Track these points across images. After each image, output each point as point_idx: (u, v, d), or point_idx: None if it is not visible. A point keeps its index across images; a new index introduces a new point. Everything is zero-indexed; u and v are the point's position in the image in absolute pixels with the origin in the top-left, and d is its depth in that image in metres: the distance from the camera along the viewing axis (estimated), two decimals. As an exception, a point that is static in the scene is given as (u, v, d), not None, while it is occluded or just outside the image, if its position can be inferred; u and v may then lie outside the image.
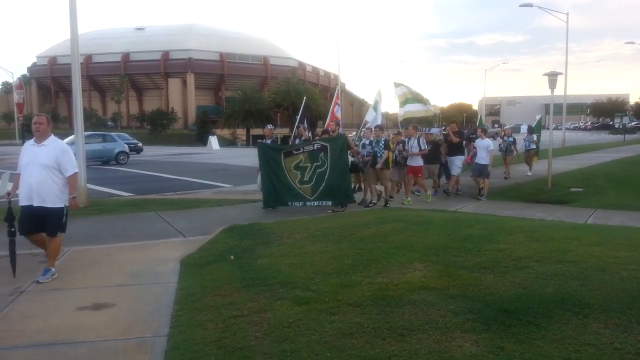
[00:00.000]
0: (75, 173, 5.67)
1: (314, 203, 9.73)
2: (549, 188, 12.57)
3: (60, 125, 71.24)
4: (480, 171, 11.62)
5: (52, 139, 5.61)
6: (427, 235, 6.44)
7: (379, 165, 10.06)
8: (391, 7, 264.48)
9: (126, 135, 34.37)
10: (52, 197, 5.43)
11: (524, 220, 8.26)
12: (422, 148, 10.98)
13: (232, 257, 6.03)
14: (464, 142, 13.10)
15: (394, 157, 10.94)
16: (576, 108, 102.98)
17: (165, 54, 72.75)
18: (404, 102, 13.71)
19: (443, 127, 14.49)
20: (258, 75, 73.56)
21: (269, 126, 11.78)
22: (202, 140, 45.84)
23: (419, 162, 11.07)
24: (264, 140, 11.21)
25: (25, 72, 77.63)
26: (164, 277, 5.59)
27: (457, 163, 12.23)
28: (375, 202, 10.31)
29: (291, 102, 48.69)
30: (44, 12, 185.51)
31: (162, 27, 79.28)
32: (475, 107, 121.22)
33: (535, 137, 17.05)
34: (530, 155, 16.67)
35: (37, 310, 4.60)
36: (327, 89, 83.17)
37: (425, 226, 7.03)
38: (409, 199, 11.01)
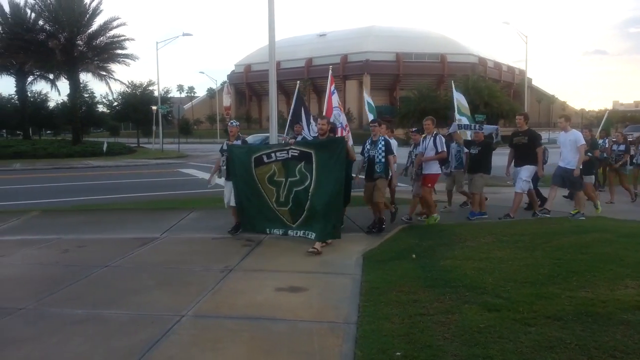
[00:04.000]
0: None
1: (296, 233, 7.11)
2: None
3: (253, 125, 79.95)
4: (564, 178, 8.33)
5: None
6: (641, 250, 5.59)
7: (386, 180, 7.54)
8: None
9: None
10: None
11: None
12: (439, 150, 8.13)
13: (413, 255, 6.04)
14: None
15: (409, 164, 8.70)
16: None
17: (344, 58, 76.09)
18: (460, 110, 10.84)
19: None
20: (434, 73, 72.34)
21: (233, 123, 8.25)
22: (377, 140, 46.76)
23: (433, 168, 8.27)
24: (230, 142, 7.89)
25: (225, 79, 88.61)
26: (349, 268, 5.87)
27: (522, 175, 8.41)
28: (384, 226, 7.80)
29: (470, 100, 46.50)
30: (241, 26, 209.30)
31: (342, 32, 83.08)
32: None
33: None
34: None
35: (244, 287, 5.21)
36: (510, 85, 78.05)
37: (637, 239, 6.11)
38: (436, 215, 8.33)
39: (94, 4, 36.90)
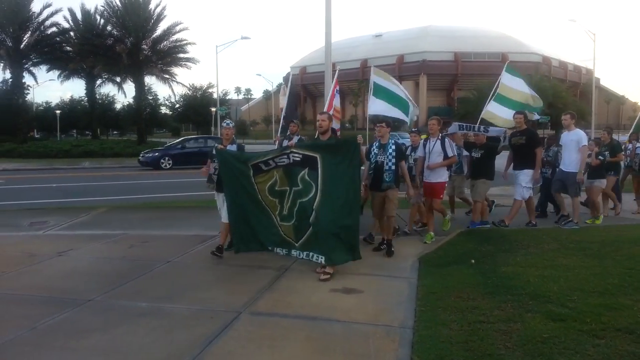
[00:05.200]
0: None
1: (300, 254, 5.85)
2: None
3: (307, 126, 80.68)
4: (564, 182, 7.84)
5: None
6: None
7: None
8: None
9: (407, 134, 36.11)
10: None
11: None
12: (449, 155, 7.16)
13: (472, 260, 5.87)
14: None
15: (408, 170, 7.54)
16: None
17: (400, 58, 75.31)
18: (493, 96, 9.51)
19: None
20: (494, 73, 69.21)
21: (227, 123, 6.95)
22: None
23: (440, 176, 7.26)
24: (224, 146, 6.63)
25: (281, 81, 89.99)
26: (404, 271, 5.79)
27: (521, 179, 7.79)
28: (393, 248, 6.56)
29: (532, 101, 44.81)
30: (297, 29, 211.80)
31: (399, 32, 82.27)
32: None
33: None
34: None
35: (299, 286, 5.24)
36: (576, 85, 74.47)
37: None
38: (437, 232, 7.37)
39: (158, 10, 38.63)
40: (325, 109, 8.52)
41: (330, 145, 5.75)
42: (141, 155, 24.02)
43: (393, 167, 6.46)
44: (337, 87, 9.16)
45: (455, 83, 73.62)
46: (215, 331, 4.04)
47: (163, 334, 4.02)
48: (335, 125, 8.58)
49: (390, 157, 6.48)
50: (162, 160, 22.68)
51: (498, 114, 9.33)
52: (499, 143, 8.15)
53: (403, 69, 75.17)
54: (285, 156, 5.87)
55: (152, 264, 6.12)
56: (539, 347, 3.50)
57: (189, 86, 48.78)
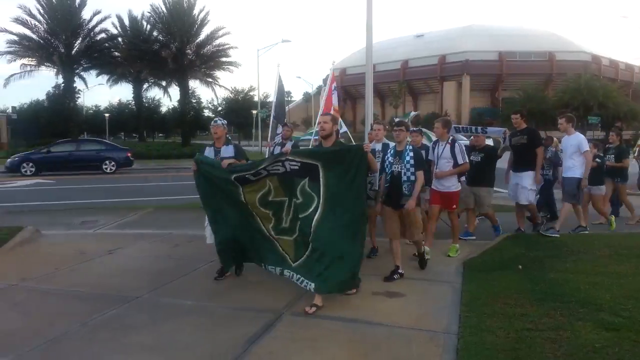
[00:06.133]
0: None
1: (294, 276, 4.98)
2: None
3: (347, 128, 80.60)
4: (566, 190, 7.28)
5: None
6: None
7: (411, 203, 5.43)
8: None
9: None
10: None
11: None
12: (460, 161, 6.43)
13: (520, 266, 5.70)
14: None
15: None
16: None
17: (442, 58, 74.05)
18: None
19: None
20: (541, 72, 67.91)
21: (216, 120, 5.91)
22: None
23: (450, 185, 6.51)
24: (212, 149, 5.83)
25: (320, 83, 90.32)
26: (448, 276, 5.68)
27: (525, 182, 7.31)
28: (401, 271, 5.60)
29: (582, 100, 43.16)
30: (337, 31, 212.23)
31: (440, 32, 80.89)
32: None
33: None
34: None
35: (340, 289, 5.22)
36: (629, 84, 71.10)
37: None
38: (427, 249, 6.30)
39: (202, 15, 39.55)
40: (322, 110, 7.88)
41: (333, 152, 4.89)
42: (8, 159, 21.78)
43: (413, 178, 5.50)
44: (334, 84, 8.48)
45: (499, 83, 71.65)
46: (257, 331, 4.08)
47: (207, 333, 4.10)
48: (343, 128, 7.84)
49: (408, 165, 5.51)
50: (23, 166, 20.71)
51: None
52: (500, 145, 7.67)
53: (445, 69, 73.90)
54: (280, 164, 4.97)
55: (196, 262, 6.25)
56: (590, 357, 3.37)
57: (231, 89, 49.84)
